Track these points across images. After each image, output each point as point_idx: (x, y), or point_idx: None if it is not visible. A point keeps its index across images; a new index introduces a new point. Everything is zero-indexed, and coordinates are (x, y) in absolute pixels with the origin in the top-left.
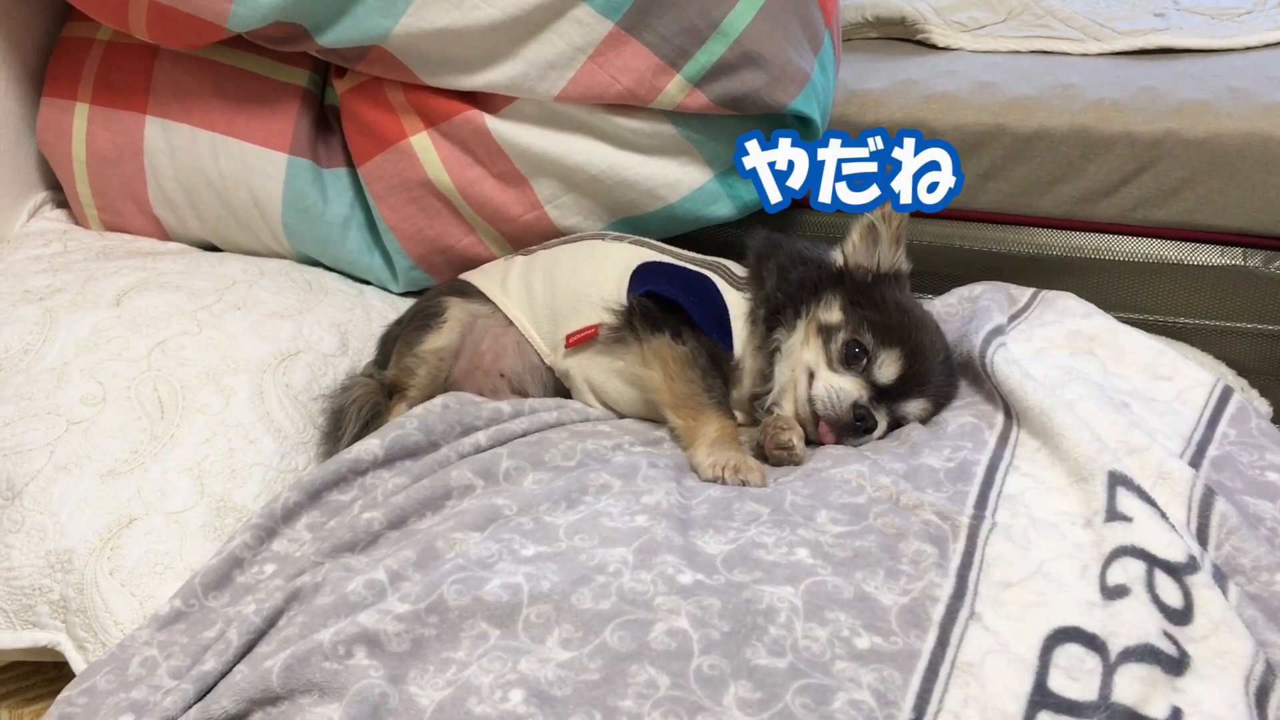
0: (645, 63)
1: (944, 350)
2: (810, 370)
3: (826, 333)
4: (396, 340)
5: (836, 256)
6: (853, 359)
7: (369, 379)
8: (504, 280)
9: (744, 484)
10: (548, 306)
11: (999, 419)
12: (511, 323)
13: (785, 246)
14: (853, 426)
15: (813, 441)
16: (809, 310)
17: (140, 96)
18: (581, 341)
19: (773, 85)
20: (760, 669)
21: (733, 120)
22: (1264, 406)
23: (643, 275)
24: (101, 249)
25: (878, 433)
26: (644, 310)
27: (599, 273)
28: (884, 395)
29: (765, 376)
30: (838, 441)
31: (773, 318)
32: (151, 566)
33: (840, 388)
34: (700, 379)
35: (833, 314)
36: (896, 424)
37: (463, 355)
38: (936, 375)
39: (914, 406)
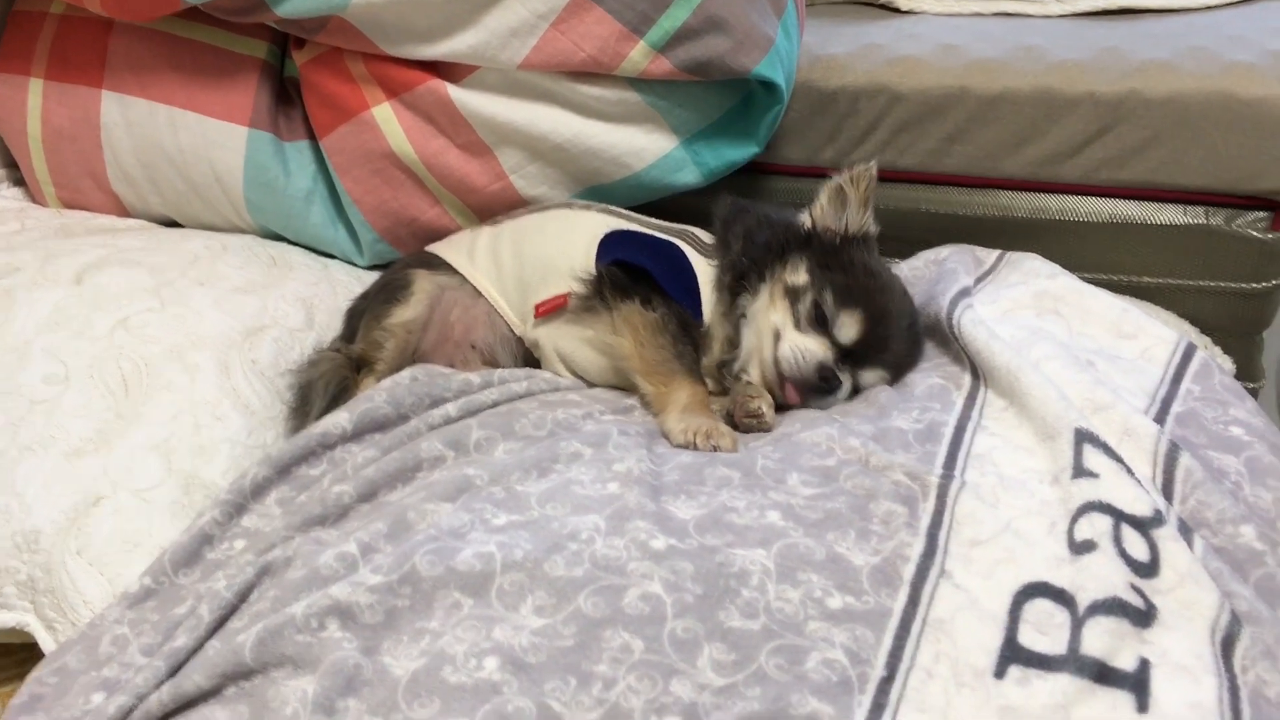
0: (608, 29)
1: (910, 315)
2: (777, 332)
3: (793, 294)
4: (363, 314)
5: (804, 219)
6: (819, 320)
7: (336, 354)
8: (471, 251)
9: (715, 449)
10: (516, 276)
11: (966, 379)
12: (480, 294)
13: (752, 211)
14: (818, 387)
15: (782, 406)
16: (775, 273)
17: (95, 71)
18: (550, 311)
19: (737, 50)
20: (734, 631)
21: (698, 87)
22: (1226, 363)
23: (611, 243)
24: (60, 227)
25: (843, 394)
26: (613, 278)
27: (567, 242)
28: (848, 357)
29: (733, 343)
30: (804, 403)
31: (739, 283)
32: (120, 545)
33: (806, 348)
34: (670, 345)
35: (799, 276)
36: (858, 388)
37: (431, 327)
38: (900, 339)
39: (876, 370)
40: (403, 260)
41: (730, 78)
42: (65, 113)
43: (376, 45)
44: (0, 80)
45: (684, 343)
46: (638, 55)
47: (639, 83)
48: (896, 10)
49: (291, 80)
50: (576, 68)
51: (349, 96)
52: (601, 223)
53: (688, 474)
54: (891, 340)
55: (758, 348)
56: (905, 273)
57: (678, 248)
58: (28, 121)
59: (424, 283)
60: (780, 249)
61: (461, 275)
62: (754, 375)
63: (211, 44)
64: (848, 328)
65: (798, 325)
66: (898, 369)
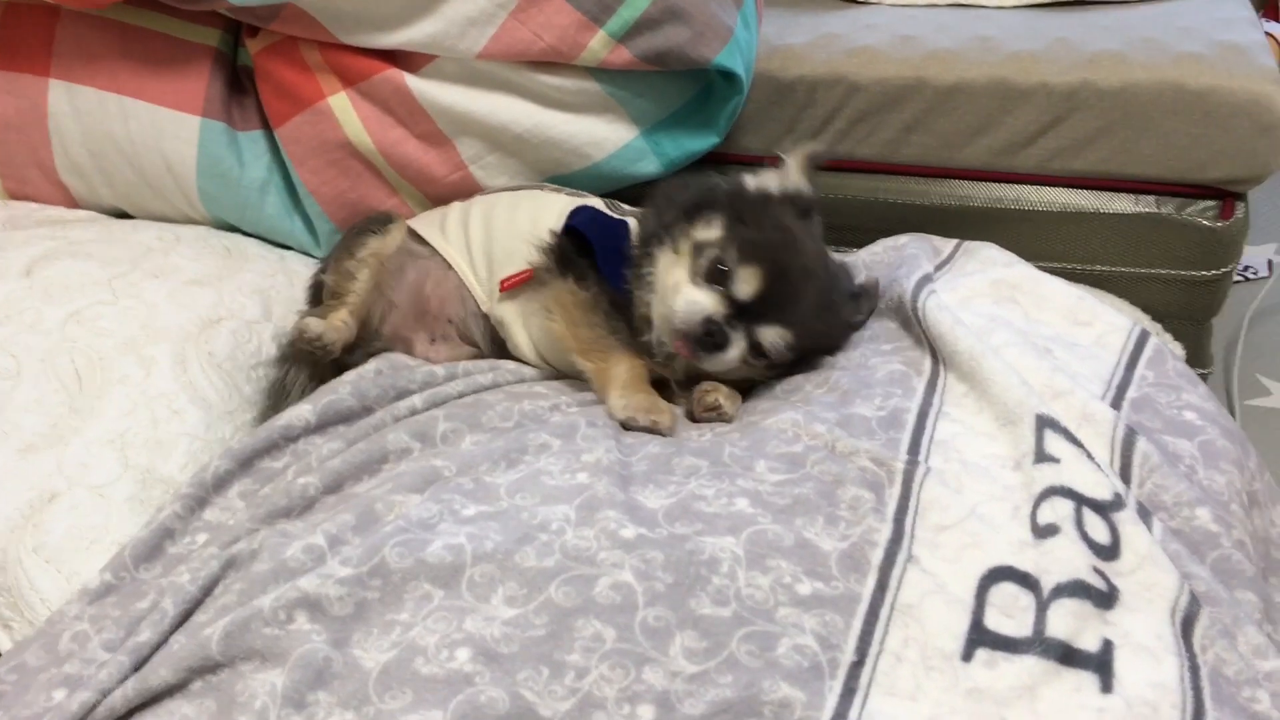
0: (568, 18)
1: (823, 279)
2: (676, 286)
3: (698, 250)
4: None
5: (735, 182)
6: (718, 275)
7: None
8: (442, 225)
9: (654, 424)
10: (484, 252)
11: (926, 364)
12: (451, 267)
13: (678, 178)
14: (703, 341)
15: (744, 393)
16: (685, 232)
17: (42, 59)
18: (516, 286)
19: (696, 40)
20: (705, 619)
21: (657, 77)
22: (1178, 349)
23: (572, 214)
24: (7, 218)
25: (734, 353)
26: (560, 250)
27: (537, 222)
28: (744, 313)
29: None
30: (692, 357)
31: (648, 248)
32: (77, 542)
33: (694, 300)
34: (604, 322)
35: (710, 232)
36: (757, 349)
37: (407, 296)
38: (806, 302)
39: (775, 328)
40: (371, 216)
41: (690, 68)
42: (11, 101)
43: (332, 34)
44: None
45: (617, 319)
46: (597, 45)
47: (599, 73)
48: (854, 1)
49: (245, 69)
50: (536, 57)
51: (304, 86)
52: (571, 202)
53: (656, 464)
54: (794, 300)
55: (659, 304)
56: (864, 259)
57: (625, 224)
58: None
59: (401, 225)
60: (695, 208)
61: (433, 247)
62: (665, 337)
63: (163, 32)
64: (745, 282)
65: (693, 279)
66: (803, 332)
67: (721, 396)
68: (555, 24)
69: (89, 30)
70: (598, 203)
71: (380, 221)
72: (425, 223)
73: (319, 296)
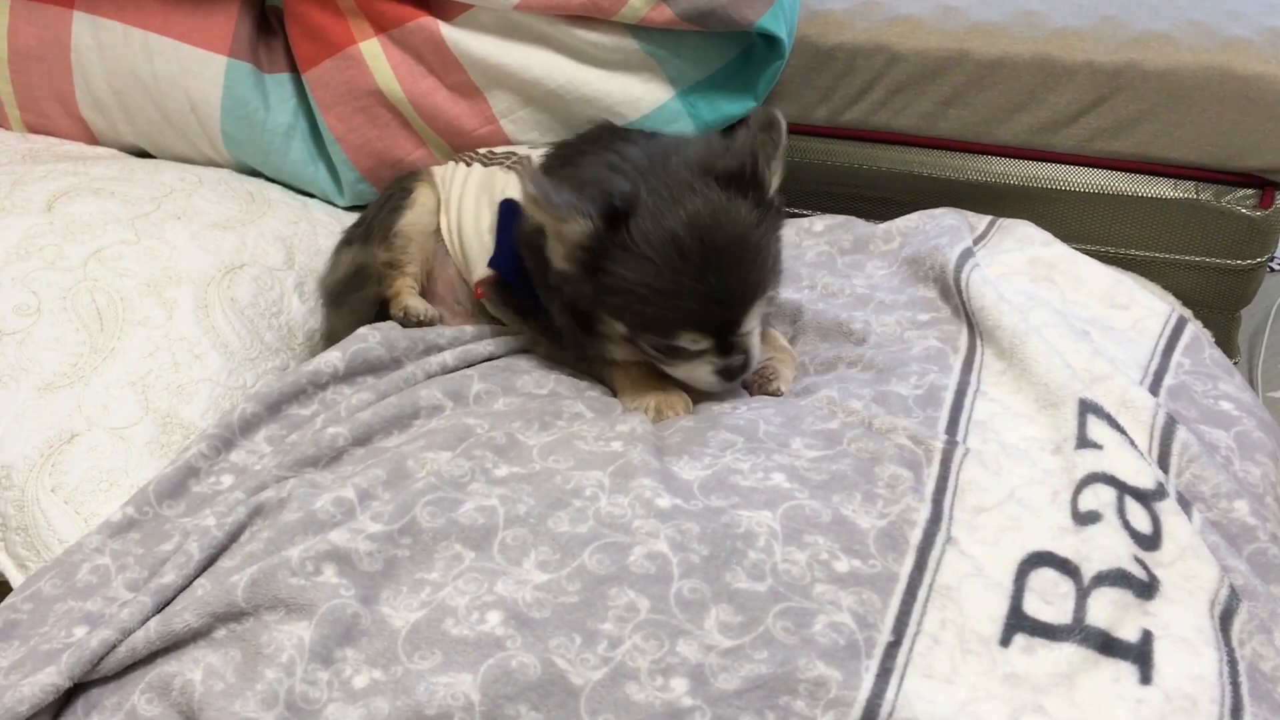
0: None
1: (746, 244)
2: (659, 398)
3: (630, 343)
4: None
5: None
6: (669, 353)
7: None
8: (448, 195)
9: (665, 419)
10: (459, 236)
11: (963, 340)
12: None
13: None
14: (730, 382)
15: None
16: (594, 346)
17: None
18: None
19: (740, 1)
20: (741, 592)
21: (697, 37)
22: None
23: (495, 254)
24: (27, 151)
25: (755, 352)
26: (499, 293)
27: (479, 223)
28: (722, 334)
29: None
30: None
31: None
32: (96, 483)
33: (695, 378)
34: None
35: (614, 327)
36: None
37: (430, 270)
38: (746, 276)
39: (749, 320)
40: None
41: (732, 29)
42: (34, 32)
43: None
44: None
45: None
46: (638, 2)
47: (638, 30)
48: None
49: (274, 10)
50: (575, 11)
51: (335, 30)
52: (497, 193)
53: (690, 437)
54: (739, 286)
55: (662, 408)
56: (899, 227)
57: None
58: None
59: (429, 185)
60: (572, 311)
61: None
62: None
63: None
64: (693, 343)
65: (657, 357)
66: (763, 287)
67: (783, 384)
68: None
69: None
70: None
71: (402, 193)
72: (439, 188)
73: (359, 281)
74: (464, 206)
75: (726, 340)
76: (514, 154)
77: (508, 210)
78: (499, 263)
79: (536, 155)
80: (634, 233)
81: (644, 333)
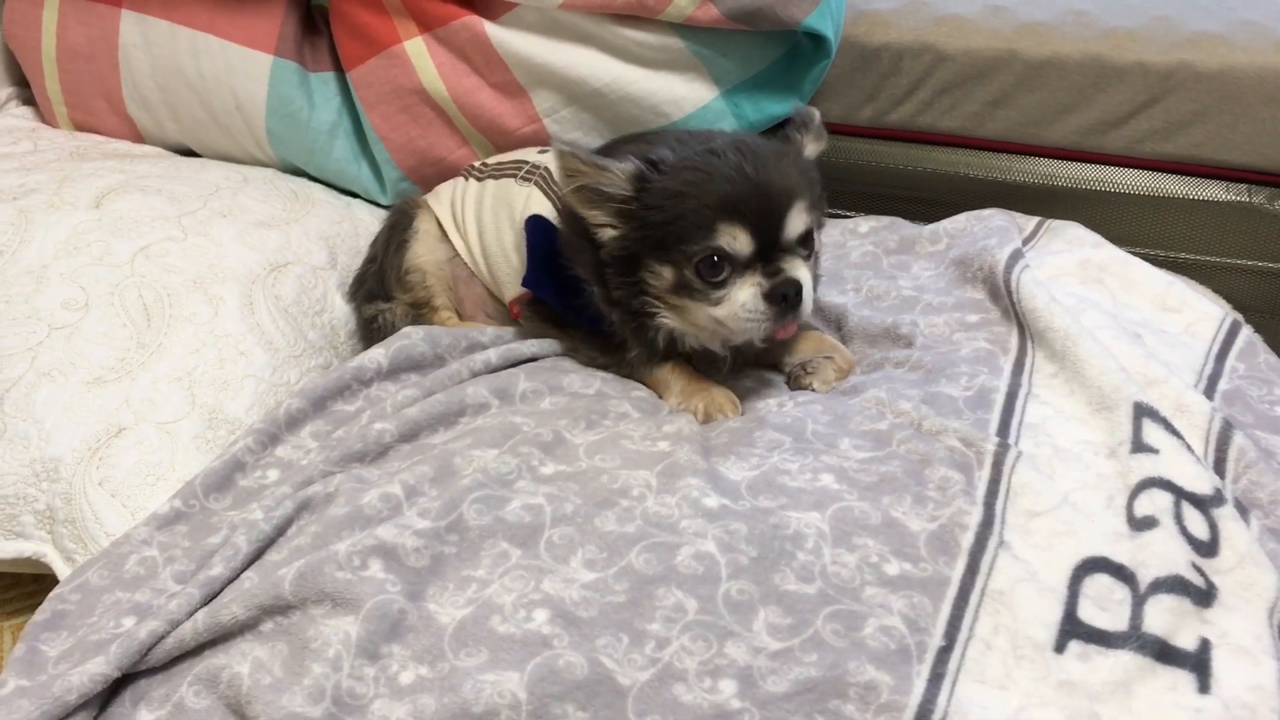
0: None
1: (773, 155)
2: (712, 318)
3: (680, 278)
4: (367, 278)
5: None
6: (714, 269)
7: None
8: (459, 215)
9: (713, 421)
10: (485, 257)
11: (1013, 342)
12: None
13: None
14: (782, 313)
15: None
16: (641, 285)
17: None
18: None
19: (787, 0)
20: (789, 594)
21: (743, 36)
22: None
23: (528, 273)
24: (74, 149)
25: (806, 284)
26: (536, 311)
27: (501, 238)
28: (768, 251)
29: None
30: (790, 328)
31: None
32: (143, 477)
33: (743, 304)
34: (607, 353)
35: (662, 272)
36: (805, 241)
37: (455, 291)
38: (781, 185)
39: (795, 225)
40: (397, 206)
41: (778, 29)
42: (82, 30)
43: None
44: None
45: (613, 352)
46: (684, 1)
47: (683, 29)
48: None
49: (319, 9)
50: (620, 10)
51: (380, 28)
52: (518, 211)
53: (737, 437)
54: (774, 194)
55: (698, 325)
56: (946, 229)
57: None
58: (42, 38)
59: (424, 214)
60: (614, 268)
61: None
62: (714, 346)
63: None
64: (733, 238)
65: (706, 295)
66: (806, 198)
67: (818, 381)
68: None
69: None
70: (546, 207)
71: (403, 226)
72: (442, 206)
73: (372, 333)
74: (484, 225)
75: (770, 251)
76: (525, 164)
77: (534, 228)
78: (531, 281)
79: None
80: (670, 166)
81: (686, 248)
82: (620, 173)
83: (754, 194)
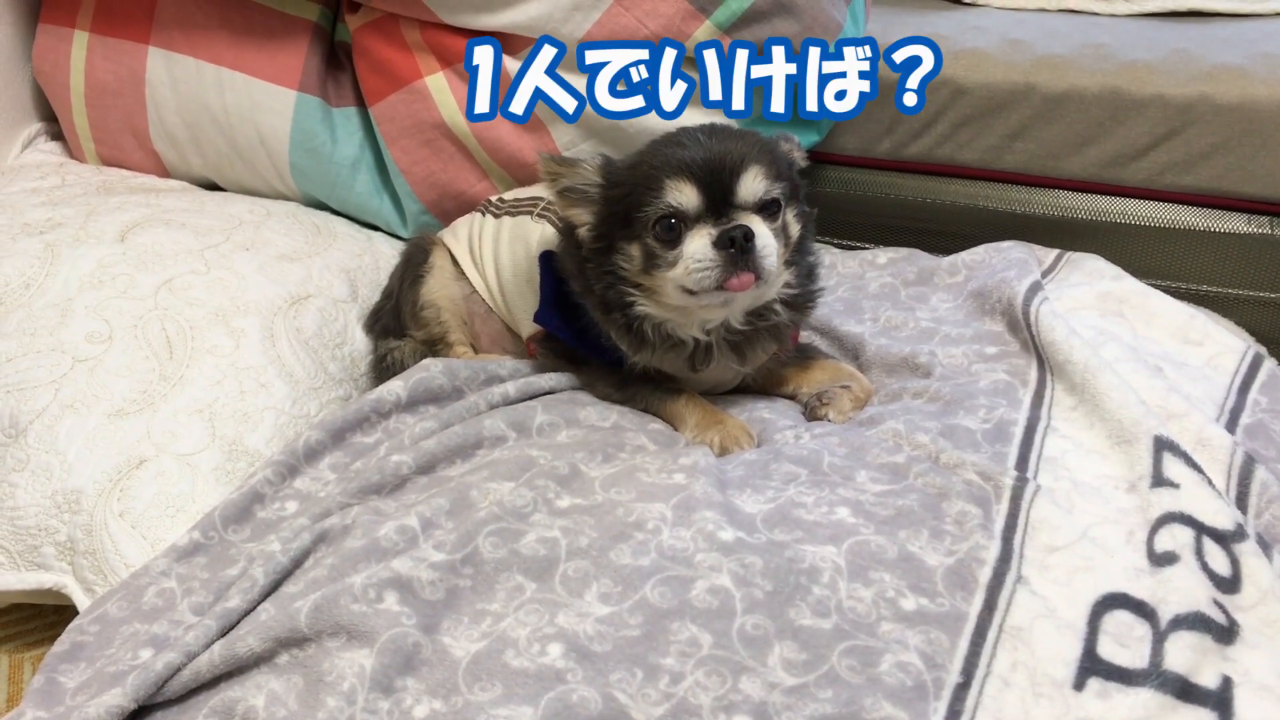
0: (674, 7)
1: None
2: (668, 281)
3: (645, 247)
4: (384, 313)
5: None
6: (670, 229)
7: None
8: (476, 252)
9: (729, 453)
10: (503, 294)
11: (1032, 374)
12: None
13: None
14: (736, 262)
15: None
16: (610, 264)
17: (143, 26)
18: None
19: (804, 34)
20: (805, 630)
21: None
22: None
23: (540, 310)
24: (101, 184)
25: (766, 237)
26: (550, 348)
27: (516, 271)
28: (719, 206)
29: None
30: (754, 283)
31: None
32: (163, 509)
33: (696, 257)
34: (622, 388)
35: (631, 253)
36: (764, 206)
37: (470, 326)
38: (733, 143)
39: (749, 183)
40: (411, 241)
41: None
42: (110, 67)
43: (434, 13)
44: (44, 32)
45: (632, 384)
46: (703, 36)
47: None
48: (960, 2)
49: (342, 45)
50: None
51: (402, 64)
52: (534, 247)
53: (753, 470)
54: (723, 149)
55: (670, 306)
56: (965, 260)
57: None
58: (70, 75)
59: (439, 250)
60: (593, 261)
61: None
62: (693, 331)
63: (263, 4)
64: (680, 193)
65: (665, 259)
66: (764, 158)
67: (833, 411)
68: (661, 12)
69: (190, 0)
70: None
71: (417, 261)
72: (459, 244)
73: (396, 324)
74: (501, 261)
75: (723, 209)
76: (540, 200)
77: (547, 264)
78: (543, 316)
79: None
80: (635, 151)
81: (643, 213)
82: (589, 165)
83: (704, 154)
